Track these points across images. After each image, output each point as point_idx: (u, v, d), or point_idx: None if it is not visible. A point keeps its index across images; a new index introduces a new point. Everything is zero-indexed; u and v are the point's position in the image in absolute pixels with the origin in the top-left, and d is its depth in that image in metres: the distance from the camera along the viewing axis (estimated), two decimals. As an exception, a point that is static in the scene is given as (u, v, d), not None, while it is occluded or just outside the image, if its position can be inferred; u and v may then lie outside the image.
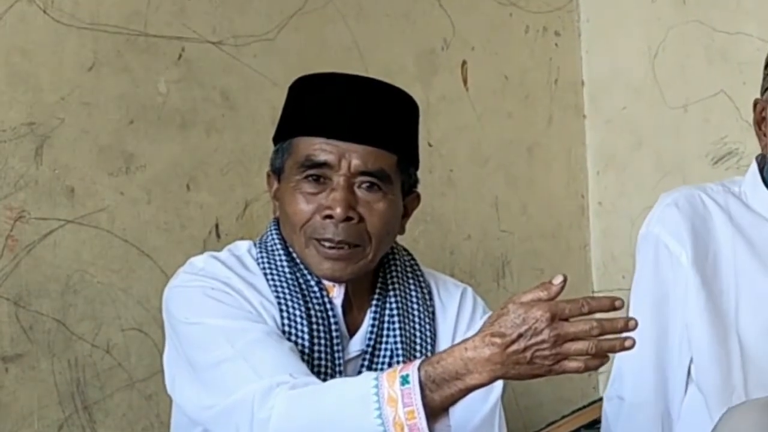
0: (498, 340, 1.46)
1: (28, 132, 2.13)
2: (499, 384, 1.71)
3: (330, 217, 1.71)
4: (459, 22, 2.78)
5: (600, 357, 1.47)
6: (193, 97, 2.34)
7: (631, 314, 1.90)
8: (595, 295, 2.96)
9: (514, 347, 1.45)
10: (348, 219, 1.71)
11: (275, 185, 1.82)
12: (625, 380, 1.98)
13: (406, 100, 1.81)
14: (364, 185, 1.73)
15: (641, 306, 1.95)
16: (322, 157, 1.72)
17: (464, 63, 2.80)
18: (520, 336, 1.45)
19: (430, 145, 2.68)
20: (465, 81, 2.80)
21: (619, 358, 1.96)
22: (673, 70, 2.85)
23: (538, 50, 2.95)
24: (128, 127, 2.26)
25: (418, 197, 1.85)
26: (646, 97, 2.89)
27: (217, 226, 2.36)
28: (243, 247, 1.82)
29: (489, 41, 2.85)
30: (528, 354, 1.45)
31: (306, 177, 1.73)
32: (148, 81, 2.28)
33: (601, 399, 2.63)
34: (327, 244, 1.73)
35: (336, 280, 1.75)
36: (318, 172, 1.73)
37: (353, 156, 1.72)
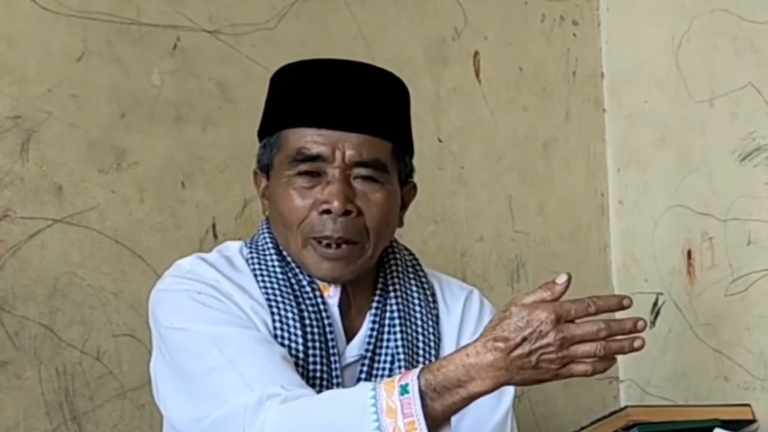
0: (501, 345, 1.42)
1: (13, 126, 2.10)
2: (510, 391, 1.70)
3: (328, 212, 1.67)
4: (471, 10, 2.74)
5: (608, 359, 1.44)
6: (188, 90, 2.31)
7: None
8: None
9: (519, 352, 1.41)
10: (347, 213, 1.67)
11: (263, 183, 1.78)
12: None
13: (396, 84, 1.76)
14: (360, 176, 1.69)
15: None
16: (315, 149, 1.68)
17: (476, 54, 2.76)
18: (524, 340, 1.41)
19: (440, 141, 2.64)
20: (477, 73, 2.76)
21: None
22: (698, 62, 2.77)
23: (555, 40, 2.90)
24: (120, 121, 2.22)
25: (414, 188, 1.81)
26: (670, 90, 2.82)
27: (213, 225, 2.32)
28: (234, 247, 1.78)
29: (503, 31, 2.81)
30: (533, 358, 1.41)
31: (298, 172, 1.69)
32: (140, 72, 2.25)
33: (623, 408, 2.56)
34: (326, 242, 1.68)
35: (336, 281, 1.71)
36: (311, 166, 1.68)
37: (347, 146, 1.68)
